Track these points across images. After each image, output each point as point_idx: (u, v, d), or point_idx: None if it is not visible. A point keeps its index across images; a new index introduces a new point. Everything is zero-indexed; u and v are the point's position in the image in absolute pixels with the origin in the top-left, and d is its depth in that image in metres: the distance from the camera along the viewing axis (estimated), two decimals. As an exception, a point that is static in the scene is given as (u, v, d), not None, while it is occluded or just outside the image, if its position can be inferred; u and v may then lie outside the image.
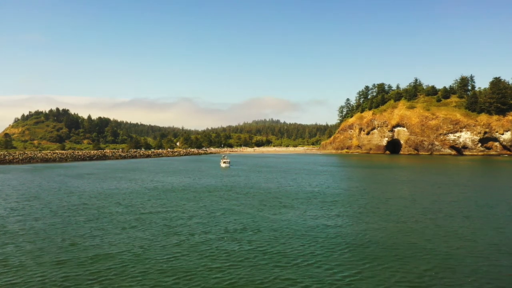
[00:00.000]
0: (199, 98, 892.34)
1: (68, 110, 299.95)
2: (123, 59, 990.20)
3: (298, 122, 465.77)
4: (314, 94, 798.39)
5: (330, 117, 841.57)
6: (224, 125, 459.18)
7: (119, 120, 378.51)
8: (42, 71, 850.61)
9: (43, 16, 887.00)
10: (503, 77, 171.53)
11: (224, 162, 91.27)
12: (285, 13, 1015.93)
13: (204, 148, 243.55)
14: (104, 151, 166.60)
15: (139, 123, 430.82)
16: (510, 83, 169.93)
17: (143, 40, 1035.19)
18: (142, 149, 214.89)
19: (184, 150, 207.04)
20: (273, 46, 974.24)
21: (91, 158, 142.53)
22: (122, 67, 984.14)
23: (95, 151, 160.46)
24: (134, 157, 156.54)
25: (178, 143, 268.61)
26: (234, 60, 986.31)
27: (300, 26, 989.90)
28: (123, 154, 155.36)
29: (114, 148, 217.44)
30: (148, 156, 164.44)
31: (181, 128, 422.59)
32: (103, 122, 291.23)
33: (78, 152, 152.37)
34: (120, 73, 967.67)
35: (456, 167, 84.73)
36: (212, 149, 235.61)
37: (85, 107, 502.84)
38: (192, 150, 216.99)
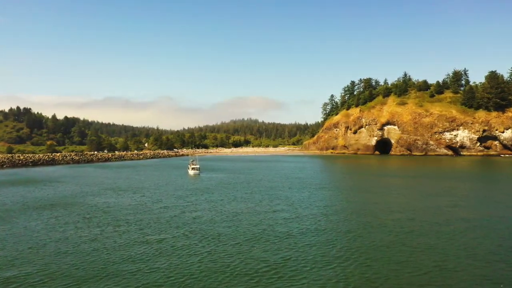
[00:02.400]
0: (182, 97, 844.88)
1: (30, 108, 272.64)
2: (98, 56, 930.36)
3: (277, 122, 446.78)
4: (304, 93, 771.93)
5: (312, 116, 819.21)
6: (204, 125, 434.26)
7: (90, 120, 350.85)
8: (6, 68, 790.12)
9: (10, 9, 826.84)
10: (497, 72, 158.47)
11: (193, 169, 74.61)
12: (275, 10, 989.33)
13: (175, 150, 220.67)
14: (53, 155, 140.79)
15: (111, 123, 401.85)
16: (506, 77, 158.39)
17: (123, 36, 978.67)
18: (105, 151, 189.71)
19: (152, 152, 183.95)
20: (262, 44, 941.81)
21: (35, 163, 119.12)
22: (96, 64, 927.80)
23: (41, 155, 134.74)
24: (90, 161, 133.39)
25: (146, 144, 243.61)
26: (221, 58, 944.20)
27: (290, 24, 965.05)
28: (76, 158, 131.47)
29: (73, 151, 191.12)
30: (108, 159, 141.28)
31: (155, 128, 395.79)
32: (70, 122, 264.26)
33: (19, 156, 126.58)
34: (94, 71, 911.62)
35: (476, 175, 68.26)
36: (185, 151, 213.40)
37: (55, 106, 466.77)
38: (162, 152, 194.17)
